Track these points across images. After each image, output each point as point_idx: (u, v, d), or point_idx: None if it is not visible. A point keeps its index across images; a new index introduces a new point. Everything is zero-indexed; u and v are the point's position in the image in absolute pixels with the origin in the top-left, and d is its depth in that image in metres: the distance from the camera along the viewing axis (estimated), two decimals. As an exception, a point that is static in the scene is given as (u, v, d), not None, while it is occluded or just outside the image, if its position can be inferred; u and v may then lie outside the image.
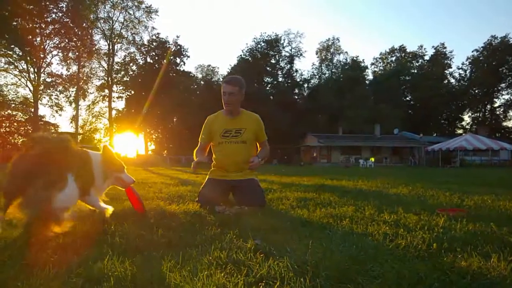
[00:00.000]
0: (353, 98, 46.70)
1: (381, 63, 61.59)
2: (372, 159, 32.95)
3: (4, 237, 1.89)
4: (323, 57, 57.04)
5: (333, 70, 56.78)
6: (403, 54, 59.56)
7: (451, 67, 56.24)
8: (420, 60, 58.66)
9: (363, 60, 56.48)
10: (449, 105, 52.99)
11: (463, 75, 55.31)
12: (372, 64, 61.68)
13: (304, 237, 1.90)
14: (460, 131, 53.66)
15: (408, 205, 3.24)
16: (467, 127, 55.45)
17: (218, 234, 2.03)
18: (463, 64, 54.88)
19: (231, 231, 2.05)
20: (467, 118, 56.82)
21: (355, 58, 55.85)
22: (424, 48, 58.42)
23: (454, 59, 76.74)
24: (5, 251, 1.63)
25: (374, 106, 47.34)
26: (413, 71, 57.52)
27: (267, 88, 51.96)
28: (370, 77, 58.44)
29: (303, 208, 3.13)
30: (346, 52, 58.18)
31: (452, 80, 56.51)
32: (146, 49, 45.80)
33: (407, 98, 57.26)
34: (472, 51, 55.47)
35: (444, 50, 56.31)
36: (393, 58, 60.32)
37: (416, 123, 51.36)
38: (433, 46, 61.48)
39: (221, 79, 53.60)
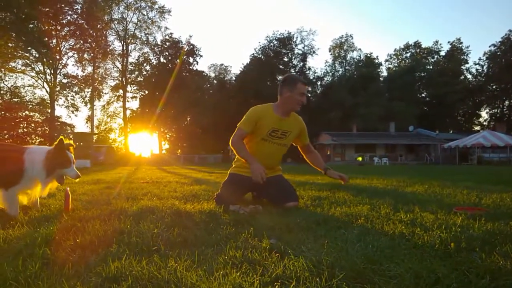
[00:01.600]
0: (367, 96, 46.28)
1: (396, 60, 60.86)
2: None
3: (24, 236, 1.94)
4: (336, 54, 56.67)
5: (346, 68, 56.38)
6: (418, 50, 58.67)
7: (467, 63, 55.28)
8: (436, 56, 57.71)
9: (377, 57, 55.98)
10: (466, 102, 52.02)
11: (480, 70, 54.27)
12: (386, 60, 61.10)
13: (319, 237, 1.90)
14: (477, 128, 52.71)
15: (425, 204, 3.19)
16: (484, 123, 54.44)
17: (233, 233, 2.04)
18: (480, 59, 53.93)
19: (246, 231, 2.06)
20: (484, 114, 55.77)
21: (368, 55, 55.38)
22: (440, 44, 57.53)
23: (471, 54, 75.37)
24: (26, 249, 1.67)
25: (388, 103, 46.84)
26: (428, 67, 56.62)
27: (280, 86, 51.88)
28: (384, 74, 57.86)
29: (317, 207, 3.12)
30: (360, 49, 57.86)
31: (469, 76, 55.51)
32: (160, 49, 46.28)
33: (423, 95, 56.43)
34: (490, 46, 54.31)
35: (461, 45, 55.32)
36: (408, 55, 59.50)
37: (431, 120, 50.58)
38: (449, 42, 60.58)
39: (234, 78, 53.67)
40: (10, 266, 1.43)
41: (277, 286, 1.25)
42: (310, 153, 3.53)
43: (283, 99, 3.24)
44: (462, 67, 54.81)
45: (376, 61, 55.43)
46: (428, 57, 58.01)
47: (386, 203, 3.23)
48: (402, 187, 5.25)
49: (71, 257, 1.56)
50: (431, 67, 56.55)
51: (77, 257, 1.56)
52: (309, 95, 52.57)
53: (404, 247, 1.72)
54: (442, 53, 56.90)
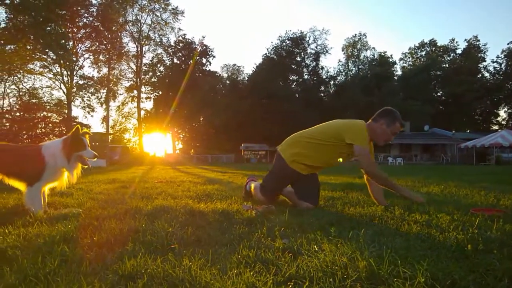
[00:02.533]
0: (381, 95, 45.80)
1: (410, 58, 60.03)
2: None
3: (43, 234, 1.99)
4: (350, 53, 56.27)
5: (360, 67, 55.90)
6: (434, 48, 57.73)
7: (485, 61, 54.13)
8: (452, 54, 56.68)
9: (391, 55, 55.45)
10: (483, 100, 50.95)
11: (498, 68, 53.10)
12: (401, 59, 60.31)
13: (333, 237, 1.89)
14: (495, 127, 51.54)
15: (440, 205, 3.14)
16: (503, 122, 53.19)
17: (246, 232, 2.05)
18: (498, 57, 52.76)
19: (259, 230, 2.07)
20: (502, 113, 54.52)
21: (382, 54, 54.81)
22: (456, 42, 56.48)
23: (488, 52, 73.56)
24: (45, 247, 1.71)
25: (403, 103, 46.22)
26: (444, 65, 55.64)
27: (293, 86, 51.79)
28: (399, 72, 57.13)
29: (331, 208, 3.11)
30: (374, 48, 57.24)
31: (487, 74, 54.36)
32: (173, 50, 46.69)
33: (438, 94, 55.52)
34: (508, 44, 53.28)
35: (478, 43, 54.23)
36: (423, 53, 58.60)
37: (448, 119, 49.74)
38: (465, 39, 59.37)
39: (246, 78, 53.66)
40: (30, 262, 1.47)
41: (290, 286, 1.25)
42: None
43: (375, 127, 3.22)
44: (480, 65, 53.69)
45: (390, 60, 54.84)
46: (444, 55, 57.01)
47: (401, 203, 3.19)
48: (417, 188, 5.18)
49: (88, 254, 1.59)
50: (447, 66, 55.55)
51: (94, 255, 1.59)
52: (322, 94, 52.38)
53: (419, 248, 1.70)
54: (459, 51, 55.88)
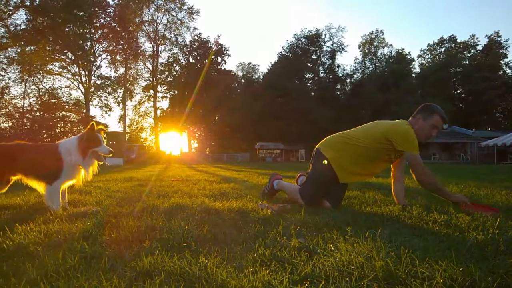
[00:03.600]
0: (398, 92, 45.12)
1: (429, 55, 58.84)
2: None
3: (63, 231, 2.03)
4: (367, 51, 55.62)
5: (377, 64, 55.19)
6: (453, 44, 56.40)
7: (506, 57, 52.43)
8: (472, 51, 55.25)
9: (409, 52, 54.47)
10: (505, 98, 49.50)
11: (521, 65, 51.43)
12: (419, 56, 59.18)
13: (349, 237, 1.87)
14: (517, 125, 50.00)
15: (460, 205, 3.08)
16: (526, 120, 51.55)
17: (261, 231, 2.05)
18: (520, 53, 51.03)
19: (275, 229, 2.07)
20: (525, 111, 52.81)
21: (400, 51, 53.95)
22: (477, 38, 55.03)
23: (510, 48, 71.46)
24: (65, 243, 1.76)
25: (421, 100, 45.27)
26: (464, 62, 54.29)
27: (308, 84, 51.51)
28: (417, 70, 56.06)
29: (347, 207, 3.08)
30: (391, 45, 56.64)
31: (508, 71, 52.69)
32: (189, 49, 47.02)
33: (458, 91, 54.24)
34: (531, 39, 51.42)
35: (499, 39, 52.66)
36: (442, 49, 57.33)
37: (468, 117, 48.55)
38: (486, 35, 57.70)
39: (262, 77, 53.67)
40: (51, 258, 1.51)
41: (306, 285, 1.25)
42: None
43: (413, 123, 3.08)
44: (501, 61, 52.16)
45: (408, 57, 53.90)
46: (464, 52, 55.63)
47: (419, 203, 3.14)
48: (436, 187, 5.08)
49: (107, 251, 1.62)
50: (467, 62, 54.20)
51: (112, 252, 1.62)
52: (338, 92, 51.91)
53: (438, 248, 1.67)
54: (479, 48, 54.47)
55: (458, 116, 46.84)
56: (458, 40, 56.29)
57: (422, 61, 58.83)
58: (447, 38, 56.98)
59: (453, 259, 1.51)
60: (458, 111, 48.16)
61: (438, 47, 57.90)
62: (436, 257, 1.51)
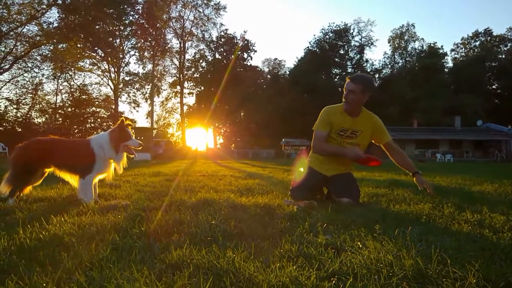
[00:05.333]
0: (429, 88, 43.68)
1: (463, 49, 56.46)
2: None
3: (95, 223, 2.11)
4: (396, 45, 54.11)
5: (407, 59, 53.63)
6: (489, 38, 53.89)
7: (547, 50, 49.76)
8: (509, 44, 52.58)
9: (441, 46, 52.39)
10: (544, 93, 47.05)
11: (562, 58, 48.64)
12: (452, 50, 56.89)
13: (377, 235, 1.84)
14: (556, 122, 47.42)
15: (494, 204, 2.96)
16: None
17: (288, 227, 2.05)
18: (561, 46, 48.23)
19: (301, 225, 2.06)
20: None
21: (432, 45, 52.09)
22: (514, 30, 52.33)
23: (550, 41, 67.67)
24: (98, 235, 1.82)
25: (454, 96, 43.82)
26: (500, 56, 51.81)
27: (335, 79, 50.71)
28: (450, 64, 54.01)
29: (375, 205, 3.03)
30: (422, 39, 54.65)
31: (547, 65, 49.98)
32: (215, 45, 47.29)
33: (493, 87, 51.93)
34: None
35: (538, 31, 49.98)
36: (477, 43, 54.86)
37: (503, 113, 46.30)
38: (524, 28, 54.80)
39: (288, 73, 53.62)
40: (85, 249, 1.57)
41: (333, 282, 1.24)
42: (395, 153, 3.35)
43: None
44: (541, 55, 49.56)
45: (441, 51, 51.99)
46: (501, 46, 53.03)
47: (450, 202, 3.05)
48: (469, 186, 4.91)
49: (137, 244, 1.67)
50: (503, 56, 51.68)
51: (142, 244, 1.67)
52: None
53: (471, 248, 1.62)
54: (517, 41, 51.84)
55: (493, 112, 44.91)
56: (494, 33, 53.80)
57: (456, 56, 56.64)
58: (482, 31, 54.53)
59: (487, 259, 1.46)
60: (493, 107, 46.21)
61: (472, 41, 55.51)
62: (468, 257, 1.47)
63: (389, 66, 54.39)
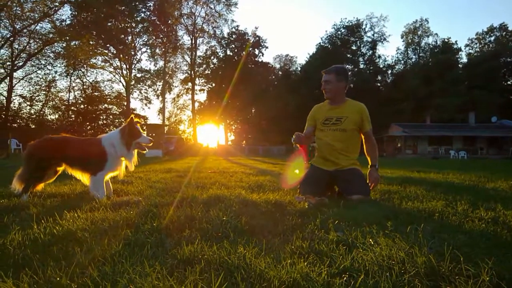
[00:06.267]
0: (443, 84, 43.02)
1: (478, 44, 55.35)
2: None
3: (108, 218, 2.13)
4: (410, 40, 53.35)
5: (420, 54, 52.84)
6: (504, 33, 52.69)
7: (563, 45, 48.44)
8: (525, 40, 51.43)
9: (455, 41, 51.66)
10: (562, 89, 45.87)
11: None
12: (467, 45, 55.78)
13: (389, 232, 1.83)
14: None
15: (509, 202, 2.91)
16: None
17: (299, 224, 2.05)
18: None
19: (312, 222, 2.06)
20: None
21: (446, 40, 51.22)
22: (531, 25, 51.08)
23: None
24: (110, 230, 1.84)
25: (468, 92, 43.07)
26: (516, 51, 50.67)
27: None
28: (464, 60, 53.02)
29: (387, 201, 3.01)
30: (436, 34, 53.71)
31: None
32: (226, 41, 47.31)
33: (508, 82, 50.84)
34: None
35: (556, 25, 48.63)
36: (492, 38, 53.70)
37: (519, 110, 45.45)
38: (542, 22, 53.46)
39: (299, 69, 53.37)
40: (98, 244, 1.60)
41: (345, 278, 1.24)
42: (367, 142, 3.46)
43: None
44: (557, 50, 48.28)
45: (455, 46, 51.11)
46: (516, 41, 51.92)
47: (464, 199, 3.00)
48: (483, 183, 4.83)
49: (149, 239, 1.69)
50: (519, 52, 50.57)
51: (154, 240, 1.68)
52: (378, 84, 50.30)
53: (484, 246, 1.60)
54: (533, 35, 50.59)
55: (508, 108, 44.00)
56: (510, 28, 52.59)
57: (470, 51, 55.56)
58: (498, 26, 53.35)
59: (501, 257, 1.44)
60: (508, 103, 45.26)
61: (487, 36, 54.35)
62: (482, 254, 1.45)
63: (402, 62, 53.72)
